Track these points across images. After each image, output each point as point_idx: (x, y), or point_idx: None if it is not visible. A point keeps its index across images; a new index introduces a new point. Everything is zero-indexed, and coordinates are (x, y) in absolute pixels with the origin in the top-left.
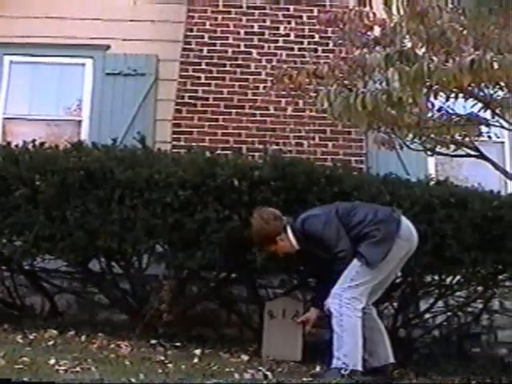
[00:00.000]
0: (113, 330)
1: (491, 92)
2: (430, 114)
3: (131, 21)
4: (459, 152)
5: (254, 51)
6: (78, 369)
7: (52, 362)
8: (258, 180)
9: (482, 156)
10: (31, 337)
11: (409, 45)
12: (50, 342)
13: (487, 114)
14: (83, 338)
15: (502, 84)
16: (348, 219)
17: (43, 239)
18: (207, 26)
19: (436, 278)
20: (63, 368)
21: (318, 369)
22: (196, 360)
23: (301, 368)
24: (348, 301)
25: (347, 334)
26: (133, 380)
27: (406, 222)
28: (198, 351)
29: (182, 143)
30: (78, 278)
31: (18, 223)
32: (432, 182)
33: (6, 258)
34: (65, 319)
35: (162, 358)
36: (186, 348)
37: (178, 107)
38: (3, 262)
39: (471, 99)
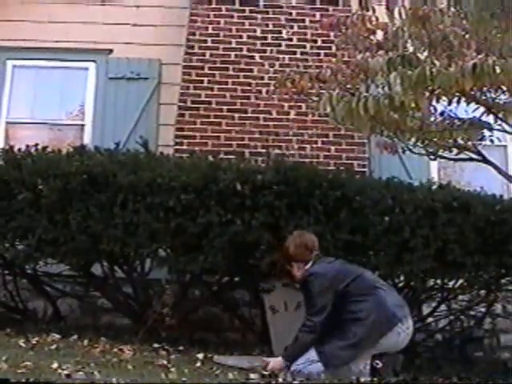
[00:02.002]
0: (115, 334)
1: (493, 96)
2: (432, 118)
3: (134, 25)
4: (462, 156)
5: (257, 55)
6: (80, 373)
7: (55, 366)
8: (260, 184)
9: (484, 160)
10: (34, 341)
11: (411, 49)
12: (53, 346)
13: (490, 118)
14: (86, 342)
15: (505, 88)
16: (346, 297)
17: (46, 243)
18: (210, 30)
19: (438, 281)
20: (66, 372)
21: None
22: (199, 364)
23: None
24: None
25: None
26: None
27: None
28: (200, 355)
29: (185, 147)
30: (80, 282)
31: (21, 227)
32: (434, 186)
33: (9, 261)
34: (67, 323)
35: (165, 362)
36: (189, 352)
37: (180, 111)
38: (6, 266)
39: (473, 103)
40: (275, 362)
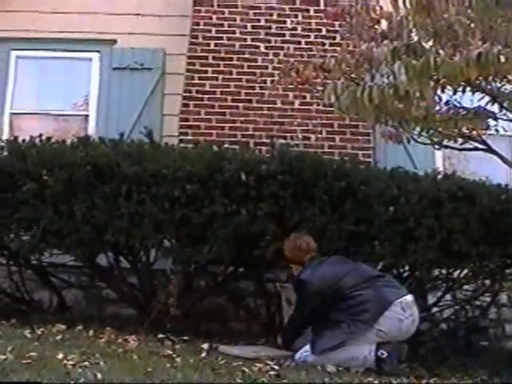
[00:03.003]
0: (121, 325)
1: (499, 85)
2: (437, 108)
3: (138, 15)
4: (467, 145)
5: (261, 45)
6: (85, 363)
7: (60, 356)
8: (265, 174)
9: (489, 149)
10: (39, 331)
11: (416, 38)
12: (58, 337)
13: (495, 108)
14: (91, 332)
15: (510, 77)
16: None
17: (51, 234)
18: (214, 20)
19: (443, 271)
20: (71, 362)
21: (329, 367)
22: (204, 354)
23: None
24: None
25: None
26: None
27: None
28: (205, 345)
29: (190, 137)
30: (85, 272)
31: (26, 218)
32: (440, 176)
33: (14, 252)
34: (73, 314)
35: (170, 352)
36: (194, 342)
37: (185, 101)
38: (11, 257)
39: (478, 93)
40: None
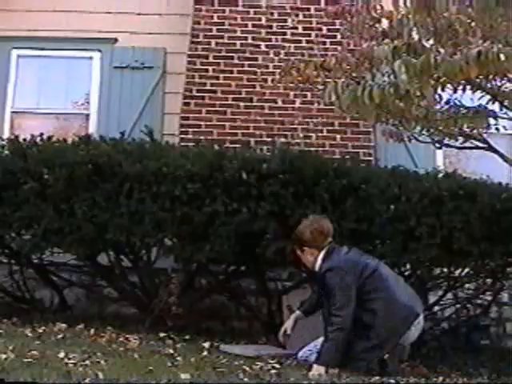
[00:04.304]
0: (122, 324)
1: (499, 84)
2: (437, 107)
3: (139, 14)
4: (467, 144)
5: (262, 44)
6: (87, 362)
7: (61, 355)
8: (266, 173)
9: (490, 148)
10: (40, 330)
11: (416, 37)
12: (59, 336)
13: (495, 106)
14: (92, 331)
15: (510, 76)
16: (364, 291)
17: (52, 233)
18: (215, 19)
19: (445, 270)
20: (72, 361)
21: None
22: (205, 353)
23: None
24: None
25: None
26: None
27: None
28: (207, 344)
29: (190, 136)
30: (86, 271)
31: (27, 217)
32: (440, 175)
33: (15, 251)
34: (74, 313)
35: (171, 351)
36: (195, 341)
37: (185, 100)
38: (12, 256)
39: (479, 91)
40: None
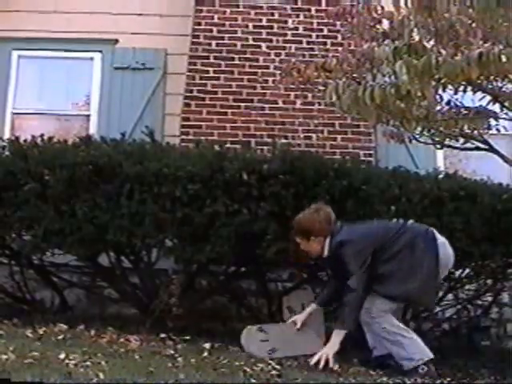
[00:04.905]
0: (122, 324)
1: (500, 85)
2: (438, 107)
3: (140, 15)
4: (468, 145)
5: (263, 45)
6: (87, 363)
7: (62, 356)
8: (266, 174)
9: (491, 149)
10: (41, 331)
11: (417, 38)
12: (60, 337)
13: (496, 107)
14: (93, 332)
15: (511, 77)
16: (384, 250)
17: (52, 233)
18: (215, 20)
19: None
20: (73, 362)
21: (335, 366)
22: (206, 354)
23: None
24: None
25: (400, 335)
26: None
27: (444, 251)
28: (207, 345)
29: (191, 137)
30: (87, 272)
31: (27, 218)
32: (441, 175)
33: (16, 252)
34: (74, 313)
35: (172, 351)
36: (196, 342)
37: (186, 101)
38: (13, 257)
39: (480, 92)
40: (336, 342)
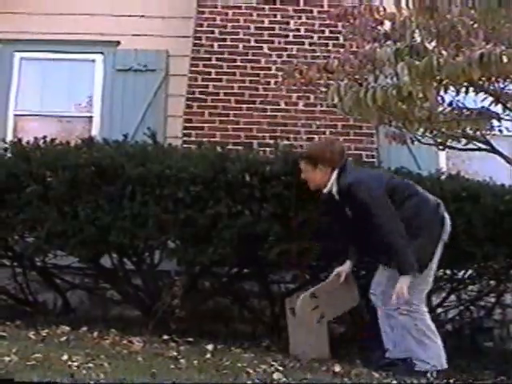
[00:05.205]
0: (125, 326)
1: (502, 86)
2: (440, 109)
3: (141, 16)
4: (470, 146)
5: (265, 46)
6: (90, 365)
7: (65, 357)
8: (269, 175)
9: (493, 150)
10: (44, 333)
11: (419, 39)
12: (63, 338)
13: (498, 108)
14: (96, 333)
15: None
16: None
17: (55, 235)
18: (217, 22)
19: (448, 272)
20: (76, 364)
21: (337, 366)
22: (208, 355)
23: (311, 363)
24: (415, 307)
25: (426, 336)
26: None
27: (447, 219)
28: (210, 346)
29: (193, 139)
30: (90, 274)
31: (30, 219)
32: (443, 176)
33: (18, 254)
34: (77, 315)
35: (175, 353)
36: (199, 343)
37: (188, 103)
38: (15, 259)
39: (482, 93)
40: (404, 284)
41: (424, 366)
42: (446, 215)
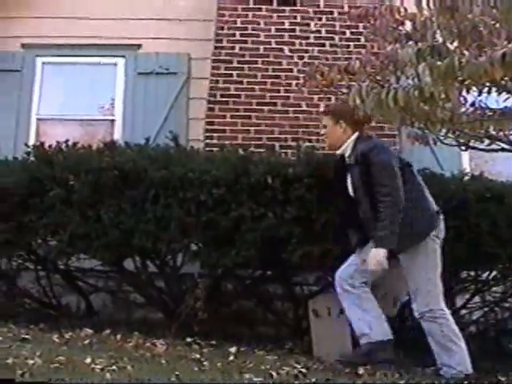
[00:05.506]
0: (148, 329)
1: None
2: (463, 109)
3: (162, 20)
4: (493, 146)
5: (286, 48)
6: (113, 367)
7: (88, 360)
8: (291, 177)
9: None
10: (67, 336)
11: (440, 39)
12: (86, 341)
13: None
14: (119, 336)
15: None
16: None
17: (78, 238)
18: (238, 24)
19: (472, 273)
20: (99, 367)
21: (361, 368)
22: (232, 358)
23: (335, 366)
24: (441, 312)
25: (453, 342)
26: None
27: (442, 225)
28: (233, 349)
29: (215, 141)
30: (113, 277)
31: (53, 223)
32: (466, 177)
33: (42, 257)
34: (100, 318)
35: (198, 356)
36: (222, 346)
37: (210, 105)
38: (39, 262)
39: (504, 93)
40: (377, 255)
41: (450, 371)
42: (442, 225)
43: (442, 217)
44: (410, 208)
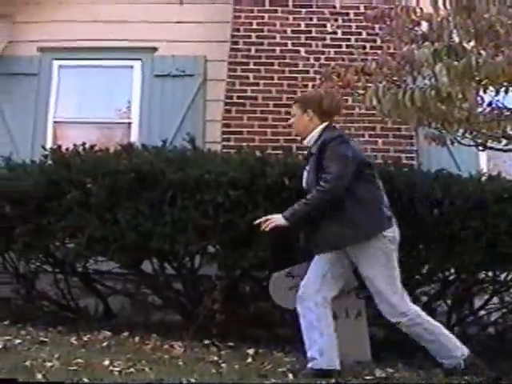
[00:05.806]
0: (166, 331)
1: None
2: (480, 109)
3: (178, 22)
4: (511, 146)
5: (302, 49)
6: (132, 370)
7: (106, 363)
8: None
9: None
10: (85, 338)
11: (457, 39)
12: (104, 344)
13: None
14: (137, 339)
15: None
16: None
17: (95, 241)
18: (254, 26)
19: (490, 274)
20: (117, 369)
21: (377, 371)
22: (250, 360)
23: (353, 367)
24: (412, 311)
25: (440, 333)
26: None
27: (396, 234)
28: (251, 351)
29: (232, 143)
30: (131, 279)
31: (71, 226)
32: (484, 178)
33: (60, 260)
34: (119, 320)
35: (216, 358)
36: (240, 348)
37: (227, 107)
38: (57, 265)
39: None
40: (278, 217)
41: (452, 361)
42: (396, 229)
43: (394, 221)
44: (358, 206)
